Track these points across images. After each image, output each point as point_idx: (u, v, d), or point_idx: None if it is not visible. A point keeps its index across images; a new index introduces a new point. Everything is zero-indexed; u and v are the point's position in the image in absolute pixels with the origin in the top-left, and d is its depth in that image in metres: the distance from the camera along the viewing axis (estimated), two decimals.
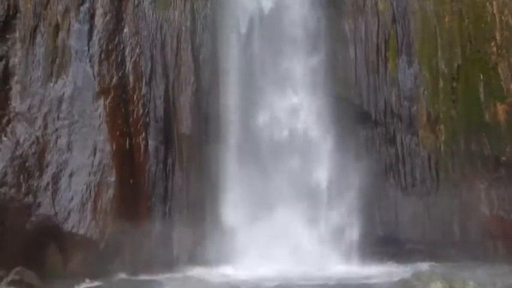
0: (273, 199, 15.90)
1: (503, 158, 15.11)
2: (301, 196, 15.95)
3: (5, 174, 14.36)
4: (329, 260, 14.72)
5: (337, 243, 15.22)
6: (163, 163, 15.99)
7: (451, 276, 11.26)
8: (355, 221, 15.50)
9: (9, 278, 13.07)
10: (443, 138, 16.07)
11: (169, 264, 15.38)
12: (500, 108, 15.60)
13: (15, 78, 15.02)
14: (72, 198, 14.80)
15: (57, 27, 15.60)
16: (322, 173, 16.21)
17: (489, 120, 15.63)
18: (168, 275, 14.74)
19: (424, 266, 12.76)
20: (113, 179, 15.15)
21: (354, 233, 15.36)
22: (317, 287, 12.54)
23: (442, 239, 15.24)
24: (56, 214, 14.53)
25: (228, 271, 14.93)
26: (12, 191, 14.27)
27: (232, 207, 16.00)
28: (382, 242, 14.96)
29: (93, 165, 15.12)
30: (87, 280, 13.93)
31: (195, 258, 15.81)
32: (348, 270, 14.10)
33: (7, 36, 15.25)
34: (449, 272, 12.13)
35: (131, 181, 15.48)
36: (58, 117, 15.06)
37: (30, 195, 14.48)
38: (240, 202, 15.99)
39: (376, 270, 13.91)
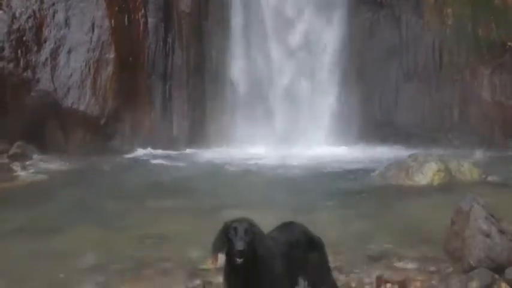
0: (275, 75, 15.78)
1: (509, 44, 14.80)
2: (303, 74, 15.82)
3: (3, 48, 14.17)
4: (326, 141, 14.83)
5: (335, 125, 15.27)
6: (163, 41, 15.73)
7: (446, 158, 11.36)
8: (355, 104, 15.46)
9: (11, 152, 13.27)
10: (449, 23, 15.67)
11: (169, 142, 15.50)
12: None
13: None
14: (71, 74, 14.69)
15: None
16: (324, 55, 16.01)
17: (498, 3, 15.14)
18: (167, 152, 14.89)
19: (421, 150, 12.82)
20: (112, 55, 14.96)
21: (353, 116, 15.36)
22: (315, 166, 12.66)
23: (440, 124, 15.28)
24: (55, 90, 14.47)
25: (224, 150, 15.02)
26: (11, 65, 14.13)
27: (233, 86, 15.92)
28: (381, 125, 15.00)
29: (91, 42, 14.88)
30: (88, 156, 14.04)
31: (194, 137, 15.90)
32: (343, 152, 14.21)
33: None
34: (445, 154, 12.23)
35: (130, 59, 15.28)
36: None
37: (29, 71, 14.36)
38: (242, 81, 15.89)
39: (373, 152, 14.03)
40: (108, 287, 5.62)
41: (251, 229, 3.89)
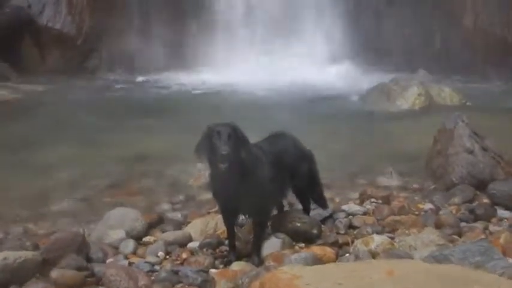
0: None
1: None
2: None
3: None
4: (311, 66, 14.65)
5: (319, 51, 15.07)
6: None
7: (428, 83, 11.37)
8: (337, 29, 15.23)
9: None
10: None
11: (147, 65, 15.21)
12: None
13: None
14: None
15: None
16: None
17: None
18: (145, 74, 14.66)
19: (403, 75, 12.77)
20: None
21: (334, 41, 15.15)
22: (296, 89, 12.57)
23: (422, 50, 15.16)
24: (29, 6, 13.96)
25: (204, 74, 14.74)
26: None
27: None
28: (363, 50, 14.81)
29: None
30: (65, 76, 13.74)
31: (173, 60, 15.60)
32: (325, 77, 14.07)
33: None
34: (427, 80, 12.22)
35: None
36: None
37: None
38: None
39: (355, 78, 13.94)
40: (89, 201, 5.58)
41: (235, 133, 3.69)
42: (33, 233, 4.62)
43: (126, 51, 14.96)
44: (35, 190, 5.80)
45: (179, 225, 4.66)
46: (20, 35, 13.95)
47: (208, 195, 5.67)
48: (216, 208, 5.08)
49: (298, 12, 15.53)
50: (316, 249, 3.86)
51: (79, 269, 3.30)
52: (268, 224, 4.16)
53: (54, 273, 3.17)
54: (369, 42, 15.01)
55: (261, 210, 3.96)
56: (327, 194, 5.10)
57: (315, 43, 15.02)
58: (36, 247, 4.02)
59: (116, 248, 4.03)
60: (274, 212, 4.37)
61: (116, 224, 4.28)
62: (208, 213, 5.02)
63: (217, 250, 4.08)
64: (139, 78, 14.33)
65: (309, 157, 4.55)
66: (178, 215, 4.91)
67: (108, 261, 3.81)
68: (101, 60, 14.91)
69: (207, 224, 4.40)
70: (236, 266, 3.74)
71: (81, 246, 3.62)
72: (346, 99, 11.45)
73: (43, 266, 3.31)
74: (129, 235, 4.19)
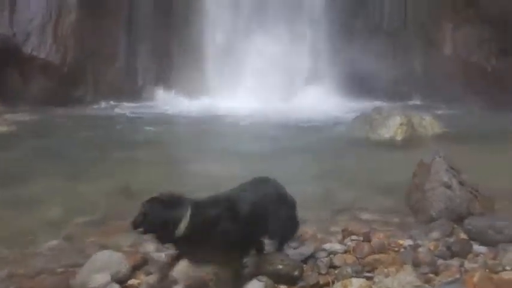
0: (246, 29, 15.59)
1: None
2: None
3: None
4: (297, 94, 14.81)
5: (298, 78, 15.28)
6: None
7: (409, 111, 11.56)
8: (322, 57, 15.47)
9: None
10: None
11: (133, 94, 15.34)
12: None
13: None
14: (31, 19, 14.25)
15: None
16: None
17: None
18: (131, 104, 14.76)
19: (386, 104, 13.00)
20: (74, 1, 14.54)
21: (318, 70, 15.39)
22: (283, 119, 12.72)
23: (404, 79, 15.41)
24: (14, 35, 14.04)
25: (194, 102, 14.88)
26: None
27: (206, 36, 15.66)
28: (347, 79, 15.03)
29: None
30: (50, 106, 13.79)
31: (158, 89, 15.76)
32: (308, 105, 14.25)
33: None
34: (409, 108, 12.43)
35: (94, 6, 14.86)
36: None
37: None
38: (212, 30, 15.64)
39: (339, 106, 14.13)
40: (73, 241, 5.59)
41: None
42: (17, 275, 4.65)
43: (111, 80, 15.08)
44: (18, 228, 5.81)
45: (164, 267, 4.69)
46: (5, 63, 14.01)
47: None
48: None
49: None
50: None
51: None
52: (243, 269, 4.25)
53: None
54: (352, 70, 15.23)
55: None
56: (310, 231, 5.19)
57: (303, 73, 15.22)
58: None
59: None
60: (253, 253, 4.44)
61: (100, 267, 4.34)
62: None
63: None
64: (123, 109, 14.40)
65: (290, 204, 4.65)
66: (162, 256, 4.93)
67: None
68: (87, 90, 14.98)
69: (191, 268, 4.44)
70: None
71: None
72: (331, 128, 11.63)
73: None
74: (113, 279, 4.25)
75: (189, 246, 3.98)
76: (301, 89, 15.32)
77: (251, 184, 4.50)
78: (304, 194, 6.57)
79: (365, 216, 6.15)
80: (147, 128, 12.05)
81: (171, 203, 3.93)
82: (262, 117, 12.86)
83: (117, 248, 4.91)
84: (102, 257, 4.52)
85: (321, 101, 14.46)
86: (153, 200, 3.94)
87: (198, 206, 3.97)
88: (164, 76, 15.90)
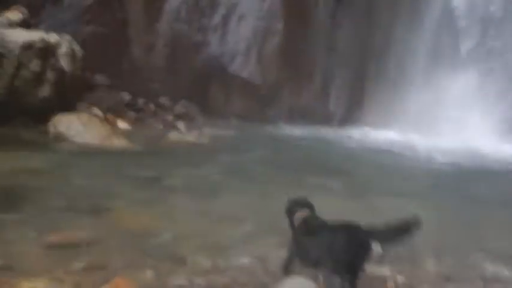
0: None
1: None
2: None
3: (179, 11, 14.78)
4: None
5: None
6: (331, 16, 15.59)
7: None
8: None
9: (176, 110, 13.96)
10: None
11: (325, 119, 15.48)
12: None
13: None
14: (239, 41, 15.04)
15: None
16: None
17: None
18: (322, 129, 14.89)
19: None
20: (280, 26, 15.10)
21: None
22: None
23: None
24: (222, 55, 14.91)
25: (380, 134, 14.59)
26: (185, 27, 14.73)
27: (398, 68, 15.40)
28: None
29: (261, 10, 15.10)
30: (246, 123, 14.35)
31: (350, 117, 15.73)
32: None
33: None
34: None
35: (298, 31, 15.33)
36: None
37: (200, 34, 14.89)
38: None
39: None
40: (263, 260, 5.66)
41: None
42: (215, 285, 4.82)
43: (304, 104, 15.39)
44: (212, 240, 6.04)
45: None
46: (209, 80, 14.92)
47: (378, 270, 5.63)
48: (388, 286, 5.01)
49: None
50: None
51: None
52: None
53: None
54: None
55: None
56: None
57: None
58: None
59: None
60: None
61: None
62: None
63: None
64: (315, 133, 14.57)
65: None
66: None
67: None
68: (281, 111, 15.41)
69: None
70: None
71: None
72: None
73: None
74: None
75: None
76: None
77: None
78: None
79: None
80: (339, 154, 12.04)
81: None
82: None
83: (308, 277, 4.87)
84: (293, 283, 4.51)
85: None
86: None
87: None
88: (357, 104, 15.86)
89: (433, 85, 14.84)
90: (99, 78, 13.62)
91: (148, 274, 5.02)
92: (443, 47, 15.37)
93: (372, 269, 5.60)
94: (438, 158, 12.02)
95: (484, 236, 6.78)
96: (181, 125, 13.26)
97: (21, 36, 11.11)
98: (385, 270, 5.59)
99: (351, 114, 15.77)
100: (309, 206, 4.86)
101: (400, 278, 5.25)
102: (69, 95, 11.96)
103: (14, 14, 11.83)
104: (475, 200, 8.55)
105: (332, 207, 7.64)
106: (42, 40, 11.34)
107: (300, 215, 4.77)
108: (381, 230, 4.31)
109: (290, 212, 4.86)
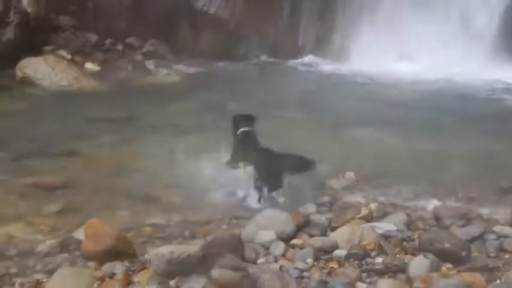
0: None
1: None
2: None
3: None
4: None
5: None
6: None
7: None
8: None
9: (145, 49, 13.77)
10: None
11: (293, 53, 15.44)
12: None
13: None
14: None
15: None
16: None
17: None
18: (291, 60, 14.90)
19: None
20: None
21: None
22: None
23: None
24: None
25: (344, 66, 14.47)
26: None
27: None
28: None
29: None
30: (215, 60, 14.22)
31: (319, 51, 15.67)
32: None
33: None
34: None
35: None
36: None
37: None
38: None
39: None
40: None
41: None
42: (190, 222, 4.94)
43: (273, 39, 15.32)
44: (185, 178, 6.07)
45: (324, 229, 4.75)
46: (177, 18, 14.65)
47: (353, 198, 5.79)
48: (361, 214, 5.19)
49: None
50: (466, 276, 3.79)
51: (235, 269, 3.49)
52: None
53: (216, 273, 3.39)
54: None
55: None
56: (476, 210, 5.05)
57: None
58: (193, 236, 4.43)
59: (266, 249, 4.23)
60: None
61: (265, 225, 4.48)
62: (353, 218, 5.09)
63: (363, 262, 4.13)
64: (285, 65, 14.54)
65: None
66: (322, 219, 4.98)
67: (258, 261, 4.01)
68: (249, 46, 15.30)
69: (353, 233, 4.45)
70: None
71: (237, 246, 3.85)
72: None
73: (203, 262, 3.56)
74: (278, 237, 4.37)
75: None
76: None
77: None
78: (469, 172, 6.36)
79: None
80: (307, 86, 12.09)
81: None
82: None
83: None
84: (267, 215, 4.66)
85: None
86: None
87: None
88: (326, 38, 15.78)
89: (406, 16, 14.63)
90: (64, 19, 13.30)
91: (124, 214, 5.13)
92: None
93: (346, 198, 5.85)
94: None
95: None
96: (150, 64, 13.12)
97: None
98: (359, 198, 5.82)
99: (320, 47, 15.70)
100: (251, 120, 5.98)
101: (374, 205, 5.41)
102: (35, 38, 11.73)
103: None
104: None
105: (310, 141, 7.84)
106: None
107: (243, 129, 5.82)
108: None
109: (235, 124, 5.95)
